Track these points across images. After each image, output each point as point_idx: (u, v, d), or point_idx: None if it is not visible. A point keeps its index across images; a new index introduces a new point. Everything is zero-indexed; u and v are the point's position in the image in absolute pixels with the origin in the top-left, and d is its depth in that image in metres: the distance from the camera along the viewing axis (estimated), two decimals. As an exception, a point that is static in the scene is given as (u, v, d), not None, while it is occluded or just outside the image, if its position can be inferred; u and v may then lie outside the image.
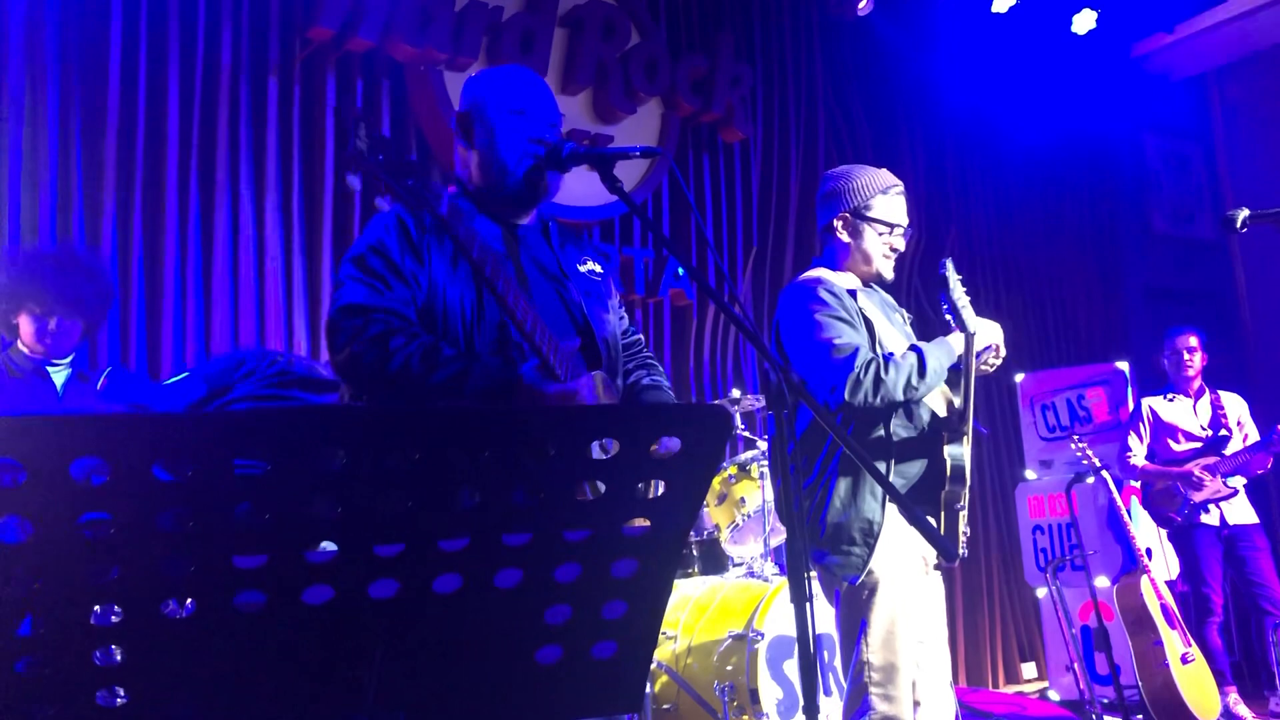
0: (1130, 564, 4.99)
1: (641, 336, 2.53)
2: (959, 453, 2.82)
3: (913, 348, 2.83)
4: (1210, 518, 5.36)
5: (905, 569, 2.82)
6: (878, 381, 2.73)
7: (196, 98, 4.52)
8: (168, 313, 4.32)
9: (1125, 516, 5.11)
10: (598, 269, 2.38)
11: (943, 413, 2.89)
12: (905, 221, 3.02)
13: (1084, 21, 7.17)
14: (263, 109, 4.71)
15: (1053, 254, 7.69)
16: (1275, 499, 6.52)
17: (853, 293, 2.95)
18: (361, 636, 0.99)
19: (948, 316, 2.89)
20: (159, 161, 4.41)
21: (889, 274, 3.03)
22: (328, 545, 0.93)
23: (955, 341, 2.88)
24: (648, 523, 1.04)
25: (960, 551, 2.91)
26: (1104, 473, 5.04)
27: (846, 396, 2.73)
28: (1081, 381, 6.43)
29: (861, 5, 6.45)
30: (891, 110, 6.93)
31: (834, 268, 3.04)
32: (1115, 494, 5.12)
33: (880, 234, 2.99)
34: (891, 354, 2.80)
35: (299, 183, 4.77)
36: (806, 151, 6.53)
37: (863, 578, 2.78)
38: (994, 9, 6.86)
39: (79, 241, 4.12)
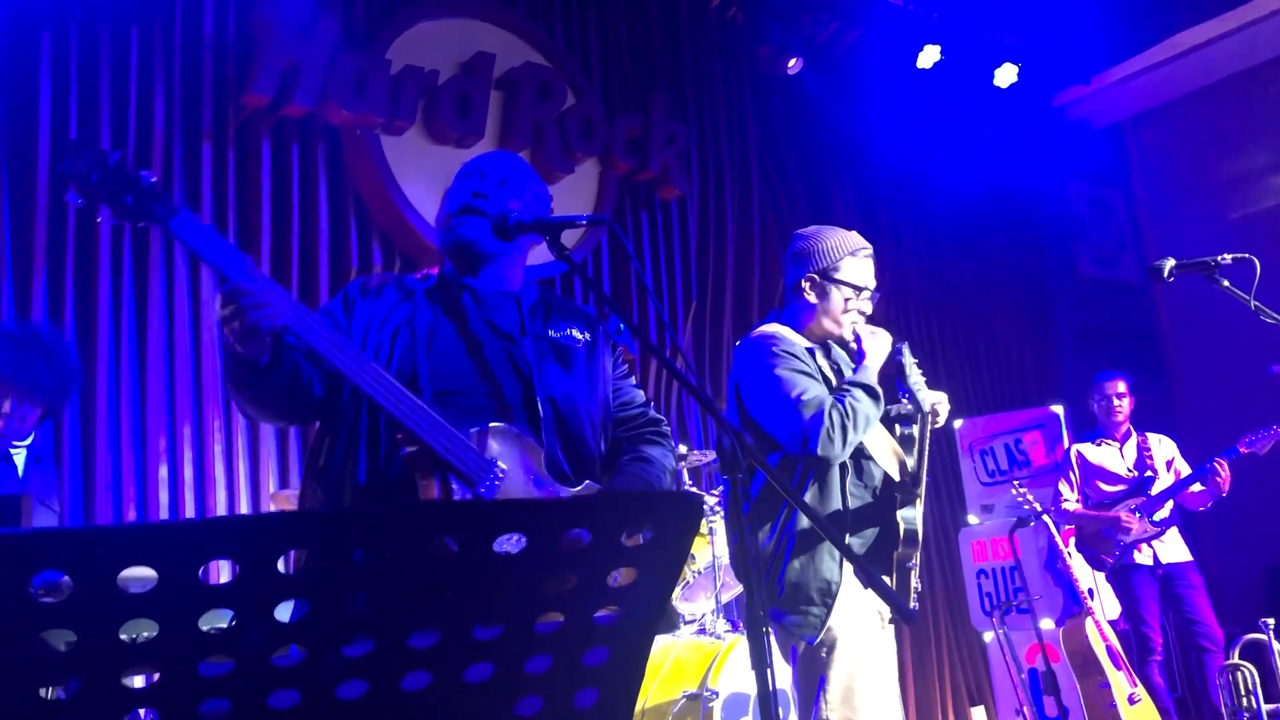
0: (1074, 606, 5.05)
1: (648, 411, 2.48)
2: (912, 515, 2.86)
3: (839, 398, 2.83)
4: (1144, 557, 5.47)
5: (862, 626, 2.84)
6: (844, 431, 2.77)
7: (129, 161, 4.46)
8: (101, 389, 4.22)
9: (1067, 559, 5.18)
10: (580, 336, 2.38)
11: (896, 476, 2.92)
12: (873, 284, 3.05)
13: (1005, 75, 7.40)
14: (197, 175, 4.67)
15: (985, 300, 7.85)
16: (1209, 537, 6.65)
17: (810, 350, 2.99)
18: (330, 739, 0.96)
19: (904, 398, 2.94)
20: (90, 229, 4.34)
21: (849, 336, 3.04)
22: (294, 649, 0.91)
23: (867, 375, 2.91)
24: (619, 610, 1.03)
25: (913, 607, 2.93)
26: (1045, 516, 5.11)
27: (820, 450, 2.76)
28: (1018, 426, 6.54)
29: (791, 64, 6.59)
30: (823, 164, 7.07)
31: (794, 326, 3.06)
32: (1056, 537, 5.20)
33: (846, 297, 3.01)
34: (842, 397, 2.83)
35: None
36: (742, 207, 6.62)
37: (821, 636, 2.79)
38: (919, 65, 7.05)
39: (7, 317, 4.03)
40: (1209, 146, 8.33)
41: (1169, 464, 5.73)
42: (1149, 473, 5.62)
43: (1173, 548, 5.53)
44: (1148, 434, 5.83)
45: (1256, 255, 2.98)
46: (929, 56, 7.01)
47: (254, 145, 4.85)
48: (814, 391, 2.83)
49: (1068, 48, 7.54)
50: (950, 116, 7.53)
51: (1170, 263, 3.06)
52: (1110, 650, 4.81)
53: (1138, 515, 5.43)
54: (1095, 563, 5.59)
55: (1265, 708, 4.00)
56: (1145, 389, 6.18)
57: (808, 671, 2.84)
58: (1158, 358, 8.41)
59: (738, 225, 6.57)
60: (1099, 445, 5.82)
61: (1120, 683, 4.70)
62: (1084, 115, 8.35)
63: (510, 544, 0.95)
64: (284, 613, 0.92)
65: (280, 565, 0.90)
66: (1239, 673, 4.08)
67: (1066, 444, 6.22)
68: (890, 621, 2.95)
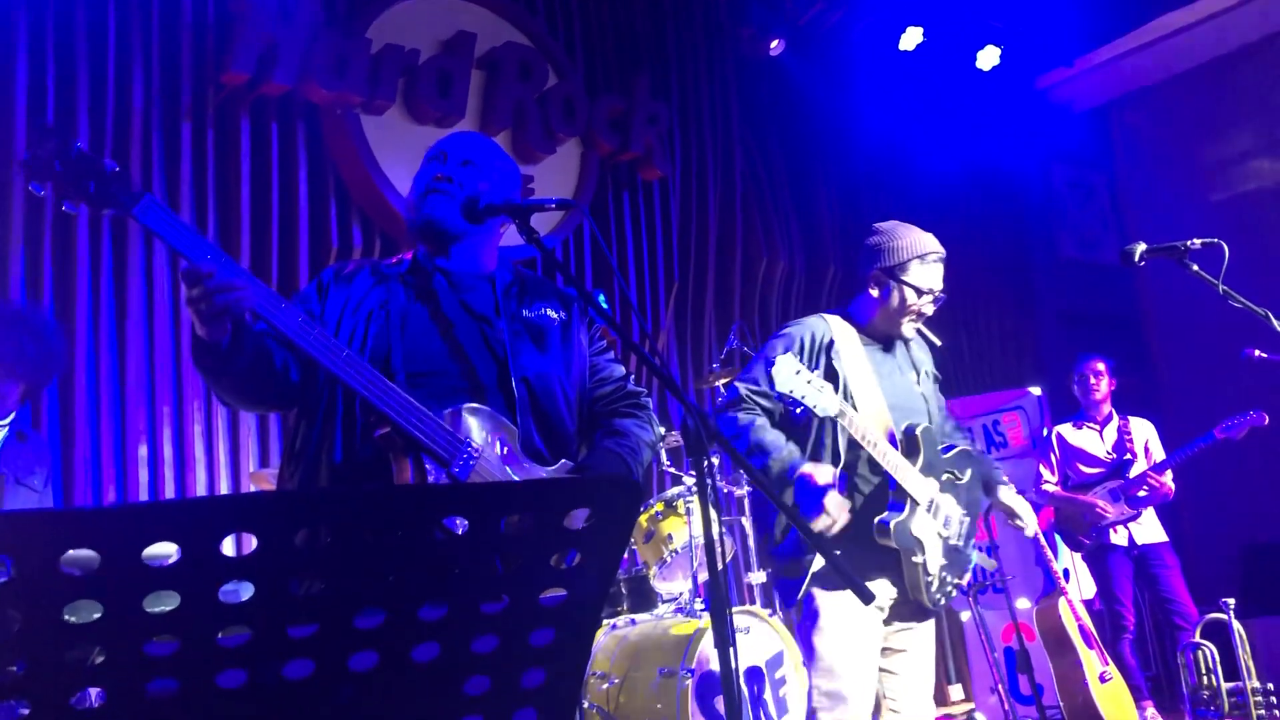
0: (1049, 586, 5.11)
1: (625, 384, 2.50)
2: (895, 520, 2.87)
3: (792, 470, 2.86)
4: (1119, 538, 5.58)
5: (847, 604, 2.89)
6: (734, 431, 2.90)
7: (108, 142, 4.45)
8: (80, 368, 4.22)
9: (1043, 540, 5.23)
10: (555, 314, 2.39)
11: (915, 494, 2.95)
12: (939, 288, 3.07)
13: (988, 57, 7.41)
14: (176, 154, 4.65)
15: (967, 282, 7.87)
16: (1185, 518, 6.71)
17: (830, 344, 3.00)
18: (278, 718, 0.98)
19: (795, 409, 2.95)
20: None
21: (907, 334, 3.11)
22: (241, 629, 0.93)
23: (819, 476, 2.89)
24: (564, 592, 1.06)
25: (940, 600, 2.97)
26: (1020, 497, 5.15)
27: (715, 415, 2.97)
28: (997, 407, 6.58)
29: (774, 45, 6.59)
30: (806, 146, 7.08)
31: (857, 318, 3.14)
32: (1033, 518, 5.24)
33: (908, 300, 3.06)
34: (760, 435, 2.91)
35: (214, 229, 4.71)
36: (724, 188, 6.63)
37: (803, 599, 2.90)
38: (901, 47, 7.05)
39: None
40: (1191, 130, 8.36)
41: (1147, 448, 5.79)
42: (1128, 455, 5.69)
43: (1148, 529, 5.61)
44: (1129, 417, 5.89)
45: (1237, 239, 3.01)
46: (911, 38, 7.02)
47: (233, 124, 4.83)
48: (759, 391, 2.95)
49: (1050, 30, 7.54)
50: (933, 98, 7.54)
51: (1141, 247, 3.08)
52: (1083, 629, 4.87)
53: (1115, 499, 5.51)
54: (1072, 543, 5.67)
55: (1225, 685, 4.06)
56: (1125, 372, 6.22)
57: (800, 635, 3.00)
58: (1138, 341, 8.46)
59: (720, 206, 6.58)
60: (1079, 428, 5.88)
61: (1092, 661, 4.76)
62: (1066, 98, 8.37)
63: (454, 527, 0.97)
64: (241, 594, 0.94)
65: (230, 548, 0.92)
66: (1200, 651, 4.14)
67: (1046, 426, 6.27)
68: (919, 617, 3.04)
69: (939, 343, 3.28)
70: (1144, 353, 8.43)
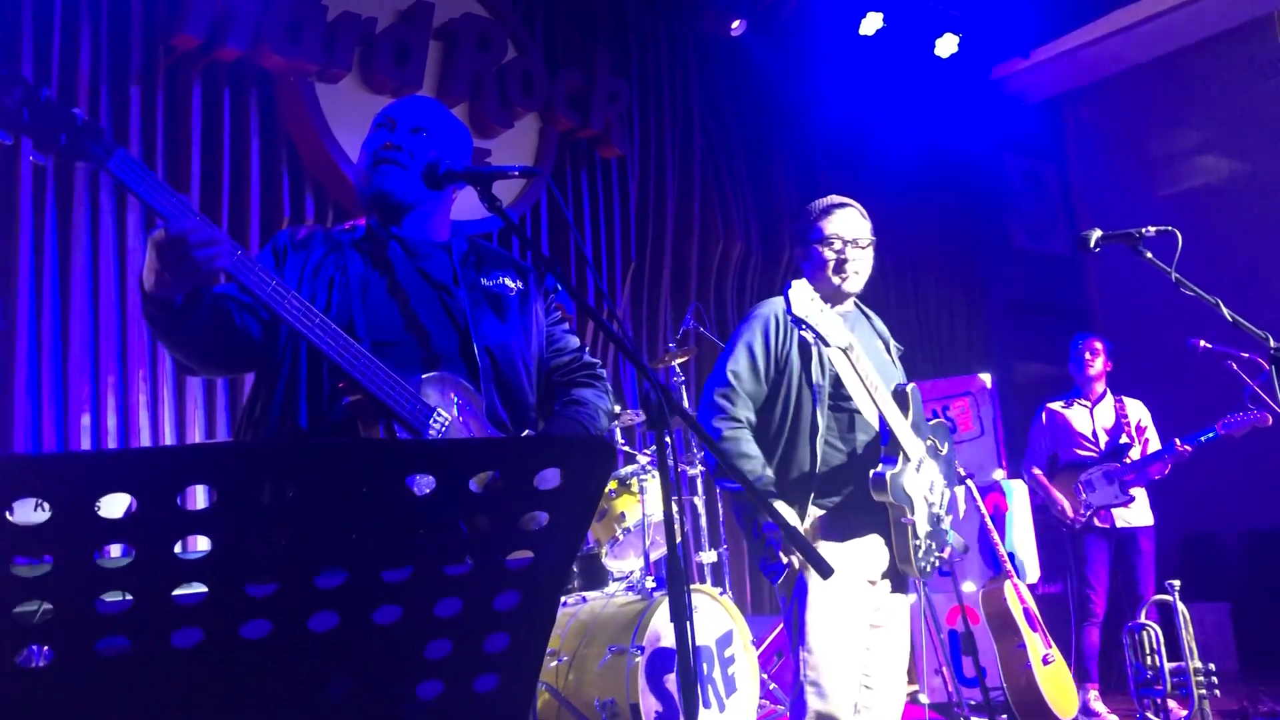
0: (995, 569, 5.17)
1: (582, 355, 2.48)
2: (890, 472, 2.87)
3: (757, 481, 2.90)
4: (1102, 521, 5.56)
5: (835, 581, 2.89)
6: (720, 438, 2.91)
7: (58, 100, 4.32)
8: (22, 334, 4.11)
9: (989, 524, 5.29)
10: (512, 284, 2.36)
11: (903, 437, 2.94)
12: (849, 233, 3.10)
13: (946, 45, 7.44)
14: (124, 118, 4.54)
15: (918, 268, 7.94)
16: (1175, 501, 6.78)
17: (799, 321, 2.98)
18: (235, 679, 0.95)
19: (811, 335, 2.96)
20: (11, 171, 4.21)
21: (850, 287, 3.14)
22: (198, 586, 0.90)
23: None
24: (531, 555, 1.03)
25: (925, 569, 2.98)
26: (969, 481, 5.21)
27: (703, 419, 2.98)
28: (946, 394, 6.63)
29: (735, 26, 6.56)
30: (764, 127, 7.07)
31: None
32: (979, 502, 5.30)
33: (825, 255, 3.10)
34: (730, 440, 2.93)
35: (162, 195, 4.60)
36: (683, 168, 6.61)
37: (789, 575, 2.91)
38: (861, 31, 7.06)
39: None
40: (1141, 124, 8.47)
41: (1140, 428, 5.80)
42: (1124, 438, 5.68)
43: (1135, 512, 5.60)
44: (1124, 398, 5.89)
45: (1183, 233, 3.05)
46: (872, 23, 7.03)
47: (184, 89, 4.72)
48: (743, 379, 2.99)
49: (1007, 21, 7.59)
50: (891, 84, 7.57)
51: (1097, 233, 3.12)
52: (1027, 612, 4.94)
53: (1109, 482, 5.53)
54: (1058, 526, 5.70)
55: (1168, 666, 4.14)
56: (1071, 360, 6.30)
57: (787, 609, 2.98)
58: (1085, 329, 8.56)
59: (678, 186, 6.56)
60: (1070, 405, 5.88)
61: (1035, 644, 4.83)
62: (1021, 88, 8.43)
63: (420, 485, 0.94)
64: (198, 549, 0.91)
65: (188, 501, 0.89)
66: (1144, 632, 4.22)
67: (995, 412, 6.37)
68: (896, 589, 3.05)
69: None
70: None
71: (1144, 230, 3.07)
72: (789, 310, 2.74)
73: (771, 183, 7.10)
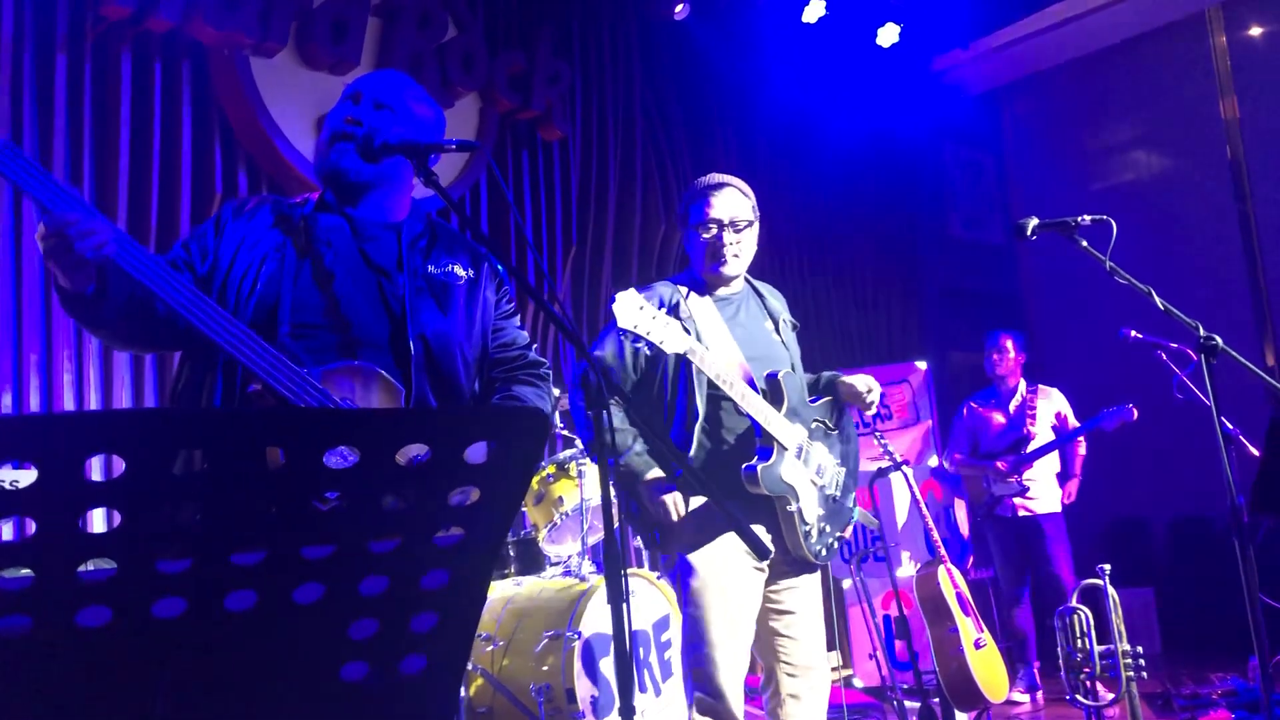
0: (929, 554, 5.22)
1: (528, 353, 2.42)
2: (763, 466, 2.87)
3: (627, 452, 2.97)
4: (1001, 511, 5.83)
5: (720, 564, 2.88)
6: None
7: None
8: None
9: (924, 510, 5.35)
10: (462, 272, 2.30)
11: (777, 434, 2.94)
12: (725, 215, 3.07)
13: (888, 35, 7.49)
14: (49, 88, 4.39)
15: (856, 255, 7.99)
16: (1103, 488, 6.95)
17: (676, 305, 2.99)
18: (146, 661, 0.91)
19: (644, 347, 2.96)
20: (-74, 140, 4.05)
21: (730, 270, 3.12)
22: (104, 562, 0.86)
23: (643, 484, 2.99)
24: (461, 532, 1.00)
25: (821, 552, 2.99)
26: (905, 468, 5.26)
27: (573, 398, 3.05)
28: (883, 381, 6.66)
29: (678, 9, 6.53)
30: (706, 112, 7.06)
31: (696, 279, 3.17)
32: (914, 488, 5.35)
33: (704, 236, 3.09)
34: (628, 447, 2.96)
35: (90, 171, 4.47)
36: (624, 151, 6.57)
37: (673, 561, 2.95)
38: (804, 19, 7.07)
39: None
40: (1077, 117, 8.60)
41: (1058, 416, 6.06)
42: (1025, 430, 5.97)
43: (1041, 499, 5.91)
44: (1039, 387, 6.16)
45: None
46: (814, 11, 7.04)
47: (113, 60, 4.58)
48: (612, 368, 3.01)
49: (947, 12, 7.66)
50: (833, 72, 7.59)
51: (1033, 221, 3.15)
52: (960, 597, 4.99)
53: (1010, 472, 5.82)
54: (971, 511, 5.96)
55: (1097, 649, 4.23)
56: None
57: (678, 594, 3.01)
58: (1019, 319, 8.70)
59: (619, 170, 6.52)
60: (987, 400, 6.20)
61: (968, 628, 4.88)
62: (961, 80, 8.51)
63: (342, 458, 0.91)
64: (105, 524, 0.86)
65: (93, 472, 0.84)
66: (1075, 616, 4.30)
67: (930, 399, 6.49)
68: (805, 571, 3.06)
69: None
70: (1020, 328, 8.68)
71: (1080, 219, 3.10)
72: (614, 325, 2.73)
73: (713, 167, 7.02)
